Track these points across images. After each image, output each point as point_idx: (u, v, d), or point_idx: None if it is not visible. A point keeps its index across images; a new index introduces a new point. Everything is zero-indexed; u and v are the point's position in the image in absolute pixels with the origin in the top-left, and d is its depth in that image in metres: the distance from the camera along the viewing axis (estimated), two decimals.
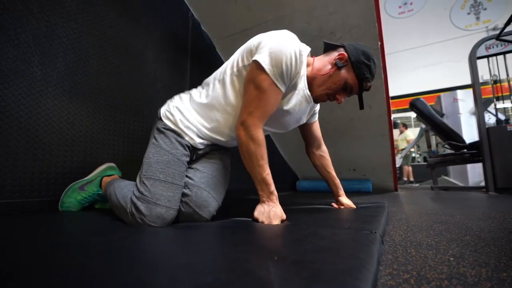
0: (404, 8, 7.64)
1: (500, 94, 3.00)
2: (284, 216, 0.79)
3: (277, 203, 0.80)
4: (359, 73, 0.83)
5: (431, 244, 0.65)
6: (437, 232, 0.80)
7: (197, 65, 1.88)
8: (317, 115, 1.11)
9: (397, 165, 4.26)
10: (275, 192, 0.81)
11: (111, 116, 1.27)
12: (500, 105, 3.12)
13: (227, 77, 0.85)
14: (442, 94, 4.72)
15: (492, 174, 2.41)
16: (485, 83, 3.78)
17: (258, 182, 0.80)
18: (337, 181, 1.16)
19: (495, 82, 3.00)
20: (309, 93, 0.86)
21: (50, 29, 1.04)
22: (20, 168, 0.92)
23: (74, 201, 1.00)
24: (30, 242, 0.53)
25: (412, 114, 6.94)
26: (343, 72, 0.84)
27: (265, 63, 0.74)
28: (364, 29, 1.77)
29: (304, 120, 1.00)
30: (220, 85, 0.86)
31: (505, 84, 2.84)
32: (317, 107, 1.09)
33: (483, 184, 2.76)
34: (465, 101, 4.33)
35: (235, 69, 0.84)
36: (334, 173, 1.17)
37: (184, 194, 0.80)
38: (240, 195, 1.83)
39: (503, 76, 2.89)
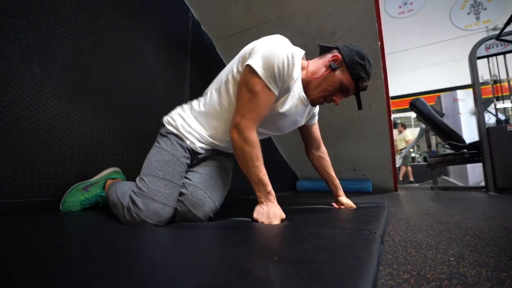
0: (404, 8, 7.64)
1: (500, 94, 3.00)
2: (284, 216, 0.79)
3: (275, 202, 0.81)
4: (354, 74, 0.83)
5: (431, 244, 0.65)
6: (437, 232, 0.80)
7: (197, 65, 1.88)
8: (316, 117, 1.12)
9: (397, 165, 4.26)
10: (273, 192, 0.81)
11: (111, 116, 1.27)
12: (500, 105, 3.11)
13: (222, 86, 0.88)
14: (442, 94, 4.72)
15: (492, 174, 2.41)
16: (485, 83, 3.78)
17: (255, 183, 0.80)
18: (337, 181, 1.17)
19: (495, 82, 3.00)
20: (304, 95, 0.87)
21: (50, 29, 1.04)
22: (20, 168, 0.92)
23: (76, 201, 1.00)
24: (30, 242, 0.53)
25: (412, 114, 6.94)
26: (338, 73, 0.84)
27: (257, 67, 0.75)
28: (364, 29, 1.77)
29: (302, 123, 1.01)
30: (216, 93, 0.89)
31: (505, 84, 2.84)
32: (316, 109, 1.09)
33: (483, 184, 2.76)
34: (465, 101, 4.33)
35: (230, 77, 0.86)
36: (333, 174, 1.17)
37: (180, 193, 0.81)
38: (240, 195, 1.83)
39: (503, 76, 2.89)
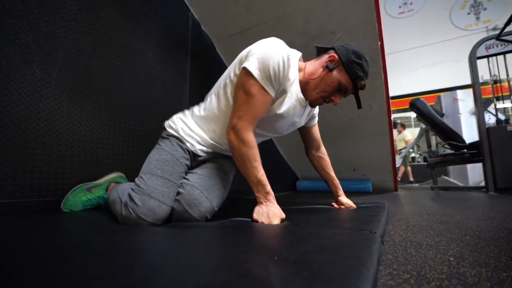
0: (404, 8, 7.64)
1: (500, 94, 3.00)
2: (284, 215, 0.79)
3: (275, 202, 0.81)
4: (351, 73, 0.83)
5: (431, 244, 0.65)
6: (437, 232, 0.80)
7: (197, 65, 1.88)
8: (316, 118, 1.12)
9: (397, 165, 4.26)
10: (272, 192, 0.81)
11: (111, 116, 1.27)
12: (500, 105, 3.11)
13: (221, 90, 0.90)
14: (442, 94, 4.72)
15: (492, 174, 2.41)
16: (485, 83, 3.78)
17: (253, 184, 0.81)
18: (336, 181, 1.17)
19: (495, 82, 3.00)
20: (302, 96, 0.88)
21: (50, 29, 1.04)
22: (20, 168, 0.92)
23: (78, 201, 1.00)
24: (30, 242, 0.53)
25: (412, 114, 6.94)
26: (335, 73, 0.85)
27: (253, 69, 0.76)
28: (364, 29, 1.77)
29: (301, 123, 1.01)
30: (215, 98, 0.91)
31: (505, 84, 2.84)
32: (316, 110, 1.10)
33: (483, 184, 2.76)
34: (465, 101, 4.33)
35: (227, 81, 0.88)
36: (333, 174, 1.18)
37: (178, 193, 0.81)
38: (240, 195, 1.83)
39: (503, 76, 2.89)
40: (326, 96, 0.88)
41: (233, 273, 0.35)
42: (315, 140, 1.15)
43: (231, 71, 0.89)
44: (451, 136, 3.23)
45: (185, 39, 1.82)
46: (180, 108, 1.69)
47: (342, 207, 1.14)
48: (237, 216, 0.87)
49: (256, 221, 0.76)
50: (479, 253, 0.57)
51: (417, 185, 4.81)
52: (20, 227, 0.71)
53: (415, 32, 7.34)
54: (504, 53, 2.67)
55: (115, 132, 1.28)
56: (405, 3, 7.64)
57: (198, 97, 1.83)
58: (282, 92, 0.83)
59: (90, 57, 1.18)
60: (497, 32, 2.50)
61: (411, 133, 5.72)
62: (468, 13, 6.98)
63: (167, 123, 0.97)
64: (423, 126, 3.86)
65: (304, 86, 0.88)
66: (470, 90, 3.15)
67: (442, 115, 4.27)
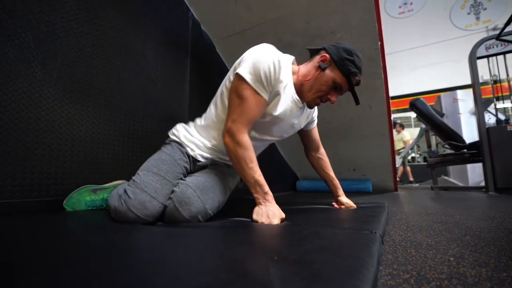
0: (404, 8, 7.64)
1: (500, 94, 3.00)
2: (283, 215, 0.79)
3: (274, 202, 0.81)
4: (344, 70, 0.84)
5: (431, 244, 0.65)
6: (437, 232, 0.80)
7: (197, 65, 1.88)
8: (315, 122, 1.14)
9: (397, 165, 4.26)
10: (270, 192, 0.82)
11: (111, 116, 1.27)
12: (500, 105, 3.11)
13: (218, 98, 0.94)
14: (442, 94, 4.71)
15: (492, 174, 2.41)
16: (485, 83, 3.78)
17: (251, 185, 0.81)
18: (336, 181, 1.18)
19: (495, 82, 3.00)
20: (298, 98, 0.90)
21: (50, 29, 1.04)
22: (20, 168, 0.92)
23: (82, 200, 1.01)
24: (30, 242, 0.53)
25: (412, 114, 6.93)
26: (328, 72, 0.86)
27: (245, 73, 0.80)
28: (364, 29, 1.77)
29: (300, 125, 1.03)
30: (214, 106, 0.96)
31: (505, 84, 2.84)
32: (315, 113, 1.12)
33: (483, 184, 2.76)
34: (465, 101, 4.33)
35: (223, 89, 0.91)
36: (332, 174, 1.19)
37: (172, 191, 0.81)
38: (240, 195, 1.83)
39: (503, 76, 2.89)
40: (322, 96, 0.89)
41: (233, 273, 0.35)
42: (315, 142, 1.17)
43: (226, 79, 0.91)
44: (451, 136, 3.23)
45: (185, 39, 1.82)
46: (180, 108, 1.69)
47: (342, 207, 1.14)
48: (237, 216, 0.87)
49: (256, 222, 0.76)
50: (479, 253, 0.57)
51: (417, 185, 4.81)
52: (20, 227, 0.71)
53: (415, 32, 7.34)
54: (504, 53, 2.67)
55: (115, 132, 1.28)
56: (405, 3, 7.64)
57: (198, 97, 1.83)
58: (275, 95, 0.85)
59: (90, 57, 1.18)
60: (497, 32, 2.50)
61: (409, 134, 5.71)
62: (468, 13, 6.98)
63: (171, 131, 1.01)
64: (423, 126, 3.86)
65: (299, 88, 0.90)
66: (470, 90, 3.14)
67: (442, 115, 4.27)
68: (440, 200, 1.86)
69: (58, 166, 1.03)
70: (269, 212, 0.77)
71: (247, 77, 0.79)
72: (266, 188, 0.81)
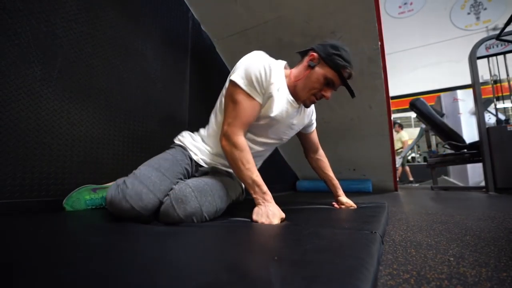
0: (404, 8, 7.64)
1: (500, 94, 2.99)
2: (283, 215, 0.79)
3: (273, 202, 0.81)
4: (333, 64, 0.86)
5: (431, 244, 0.65)
6: (437, 232, 0.80)
7: (197, 65, 1.88)
8: (314, 125, 1.16)
9: (397, 166, 4.25)
10: (269, 192, 0.82)
11: (111, 116, 1.26)
12: (500, 105, 3.11)
13: (217, 108, 0.99)
14: (442, 94, 4.71)
15: (492, 174, 2.41)
16: (485, 83, 3.78)
17: (249, 186, 0.83)
18: (335, 181, 1.19)
19: (495, 82, 3.00)
20: (292, 98, 0.93)
21: (50, 29, 1.04)
22: (20, 168, 0.92)
23: (82, 199, 1.01)
24: (30, 242, 0.53)
25: (412, 114, 6.93)
26: (318, 69, 0.89)
27: (237, 78, 0.84)
28: (364, 29, 1.77)
29: (299, 126, 1.05)
30: (214, 115, 1.01)
31: (505, 84, 2.84)
32: (313, 116, 1.14)
33: (483, 184, 2.76)
34: (465, 101, 4.33)
35: (222, 98, 0.96)
36: (332, 174, 1.21)
37: (171, 189, 0.81)
38: None
39: (503, 76, 2.89)
40: (316, 93, 0.91)
41: (233, 273, 0.35)
42: (314, 145, 1.19)
43: (223, 89, 0.96)
44: (451, 136, 3.23)
45: (185, 39, 1.82)
46: (180, 108, 1.69)
47: (343, 206, 1.15)
48: (237, 216, 0.87)
49: (256, 222, 0.76)
50: (479, 253, 0.57)
51: (417, 185, 4.81)
52: (20, 227, 0.71)
53: (415, 32, 7.34)
54: (504, 53, 2.67)
55: (115, 132, 1.28)
56: (405, 3, 7.64)
57: (198, 97, 1.83)
58: (269, 97, 0.88)
59: (90, 57, 1.18)
60: (497, 32, 2.50)
61: (408, 134, 5.69)
62: (468, 13, 6.97)
63: (176, 137, 1.06)
64: (423, 126, 3.86)
65: (293, 89, 0.93)
66: (470, 90, 3.14)
67: (442, 115, 4.27)
68: (440, 200, 1.86)
69: (58, 166, 1.03)
70: (268, 212, 0.77)
71: (240, 81, 0.83)
72: (265, 188, 0.82)
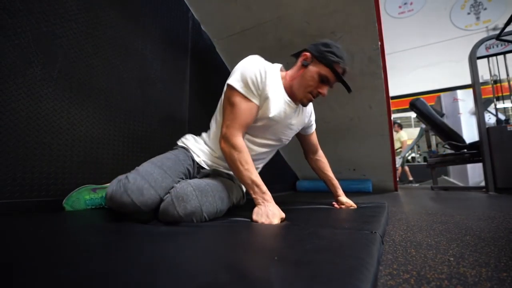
0: (404, 8, 7.63)
1: (500, 94, 2.99)
2: (283, 215, 0.79)
3: (273, 202, 0.82)
4: (325, 61, 0.88)
5: (431, 244, 0.65)
6: (437, 232, 0.80)
7: (197, 65, 1.88)
8: (314, 126, 1.18)
9: (397, 166, 4.25)
10: (268, 192, 0.83)
11: (111, 116, 1.26)
12: (500, 105, 3.11)
13: (217, 113, 1.02)
14: (442, 94, 4.71)
15: (492, 174, 2.41)
16: (485, 83, 3.78)
17: (249, 186, 0.84)
18: (335, 181, 1.20)
19: (495, 82, 3.00)
20: (289, 99, 0.95)
21: (50, 29, 1.04)
22: (20, 168, 0.92)
23: (81, 199, 1.01)
24: (30, 242, 0.53)
25: (412, 114, 6.93)
26: (312, 67, 0.90)
27: (234, 82, 0.87)
28: (364, 29, 1.77)
29: (297, 127, 1.06)
30: (214, 121, 1.03)
31: (505, 84, 2.84)
32: (313, 117, 1.15)
33: (483, 184, 2.76)
34: (465, 101, 4.33)
35: (221, 102, 0.99)
36: (331, 174, 1.22)
37: (172, 187, 0.82)
38: None
39: (503, 76, 2.89)
40: (312, 91, 0.92)
41: (233, 273, 0.35)
42: (313, 146, 1.20)
43: (223, 94, 0.97)
44: (451, 136, 3.22)
45: (185, 39, 1.82)
46: (180, 108, 1.69)
47: (343, 206, 1.15)
48: (237, 216, 0.87)
49: (256, 222, 0.76)
50: (479, 253, 0.57)
51: (417, 185, 4.81)
52: (20, 227, 0.71)
53: (415, 32, 7.33)
54: (504, 53, 2.67)
55: (115, 132, 1.28)
56: (405, 3, 7.63)
57: (198, 97, 1.83)
58: (265, 98, 0.90)
59: (90, 57, 1.18)
60: (497, 32, 2.50)
61: (408, 134, 5.68)
62: (468, 13, 6.97)
63: (180, 140, 1.09)
64: (423, 126, 3.86)
65: (290, 90, 0.95)
66: (470, 90, 3.14)
67: (442, 115, 4.27)
68: (440, 200, 1.86)
69: (58, 166, 1.03)
70: (268, 212, 0.77)
71: (236, 84, 0.86)
72: (264, 188, 0.83)
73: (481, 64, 2.67)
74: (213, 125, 1.03)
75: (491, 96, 3.01)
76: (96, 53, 1.21)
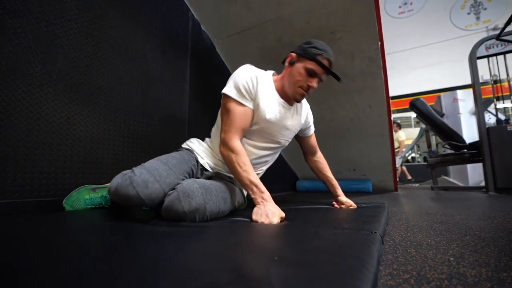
0: (404, 8, 7.63)
1: (500, 94, 2.99)
2: (283, 214, 0.79)
3: (272, 201, 0.83)
4: (309, 55, 0.91)
5: (431, 244, 0.65)
6: (437, 232, 0.80)
7: (197, 65, 1.88)
8: (312, 128, 1.20)
9: (397, 166, 4.24)
10: (267, 192, 0.84)
11: (111, 116, 1.27)
12: (500, 105, 3.11)
13: (218, 119, 1.06)
14: (442, 94, 4.71)
15: (492, 174, 2.41)
16: (485, 83, 3.77)
17: (248, 187, 0.86)
18: (334, 181, 1.21)
19: (495, 82, 2.99)
20: (283, 100, 1.00)
21: (50, 29, 1.04)
22: (20, 168, 0.92)
23: (81, 198, 1.01)
24: (30, 242, 0.53)
25: (412, 114, 6.93)
26: (298, 64, 0.95)
27: (228, 90, 0.93)
28: (364, 29, 1.77)
29: (295, 127, 1.08)
30: (215, 129, 1.08)
31: (505, 84, 2.84)
32: (311, 118, 1.17)
33: (483, 184, 2.76)
34: (465, 101, 4.32)
35: (220, 112, 1.02)
36: (330, 175, 1.23)
37: (176, 184, 0.82)
38: None
39: (503, 76, 2.89)
40: (302, 85, 0.94)
41: (233, 273, 0.35)
42: (312, 148, 1.23)
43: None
44: (451, 136, 3.22)
45: (185, 39, 1.82)
46: (180, 108, 1.69)
47: (343, 206, 1.15)
48: (237, 216, 0.87)
49: (256, 222, 0.76)
50: (479, 253, 0.57)
51: (417, 185, 4.81)
52: (20, 227, 0.71)
53: (415, 32, 7.33)
54: (504, 53, 2.67)
55: (115, 132, 1.28)
56: (405, 3, 7.63)
57: (198, 97, 1.83)
58: (259, 101, 0.94)
59: (90, 57, 1.18)
60: (497, 32, 2.50)
61: (407, 134, 5.67)
62: (468, 13, 6.97)
63: (184, 143, 1.12)
64: (423, 126, 3.86)
65: (282, 90, 0.99)
66: (470, 90, 3.14)
67: (442, 115, 4.27)
68: (440, 200, 1.86)
69: (58, 166, 1.03)
70: (268, 212, 0.77)
71: (230, 92, 0.92)
72: (263, 187, 0.85)
73: (481, 64, 2.67)
74: (214, 132, 1.08)
75: (491, 96, 3.00)
76: (96, 53, 1.21)
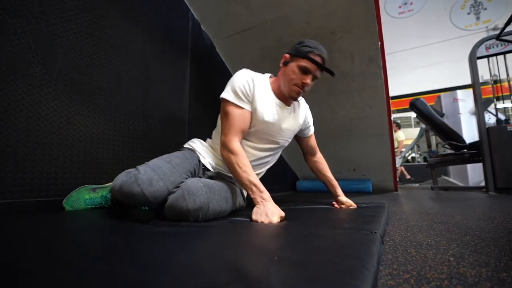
0: (404, 8, 7.63)
1: (500, 94, 2.99)
2: (283, 213, 0.80)
3: (271, 201, 0.83)
4: (301, 53, 0.94)
5: (431, 244, 0.65)
6: (437, 232, 0.80)
7: (197, 65, 1.88)
8: (312, 129, 1.21)
9: (397, 166, 4.24)
10: (266, 191, 0.85)
11: (111, 116, 1.27)
12: (500, 105, 3.11)
13: (218, 123, 1.08)
14: (442, 94, 4.71)
15: (492, 174, 2.41)
16: (485, 83, 3.77)
17: (247, 187, 0.87)
18: (334, 181, 1.21)
19: (495, 82, 2.99)
20: (280, 101, 1.02)
21: (50, 29, 1.04)
22: (20, 168, 0.92)
23: (81, 198, 1.01)
24: (30, 242, 0.53)
25: (412, 114, 6.93)
26: (291, 63, 0.97)
27: (225, 94, 0.95)
28: (364, 29, 1.77)
29: (294, 128, 1.09)
30: (216, 132, 1.10)
31: (505, 84, 2.84)
32: (310, 119, 1.18)
33: (483, 184, 2.76)
34: (465, 101, 4.32)
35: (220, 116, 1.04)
36: (330, 175, 1.23)
37: (180, 183, 0.83)
38: None
39: (503, 76, 2.89)
40: (296, 83, 0.96)
41: (233, 273, 0.35)
42: (312, 148, 1.24)
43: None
44: (451, 136, 3.22)
45: (185, 39, 1.82)
46: (180, 108, 1.69)
47: (343, 206, 1.15)
48: (237, 216, 0.87)
49: (256, 222, 0.77)
50: (479, 253, 0.57)
51: (417, 185, 4.81)
52: (20, 227, 0.71)
53: (415, 32, 7.33)
54: (504, 53, 2.67)
55: (115, 132, 1.28)
56: (405, 3, 7.63)
57: (198, 97, 1.83)
58: (256, 103, 0.96)
59: (90, 57, 1.18)
60: (497, 32, 2.50)
61: (406, 134, 5.67)
62: (468, 13, 6.96)
63: (186, 143, 1.13)
64: (423, 126, 3.85)
65: (278, 91, 1.01)
66: (470, 90, 3.14)
67: (442, 115, 4.26)
68: (440, 200, 1.86)
69: (58, 166, 1.03)
70: (267, 211, 0.78)
71: (227, 96, 0.95)
72: (262, 187, 0.86)
73: (481, 64, 2.67)
74: (214, 134, 1.11)
75: (491, 96, 3.00)
76: (96, 53, 1.21)
